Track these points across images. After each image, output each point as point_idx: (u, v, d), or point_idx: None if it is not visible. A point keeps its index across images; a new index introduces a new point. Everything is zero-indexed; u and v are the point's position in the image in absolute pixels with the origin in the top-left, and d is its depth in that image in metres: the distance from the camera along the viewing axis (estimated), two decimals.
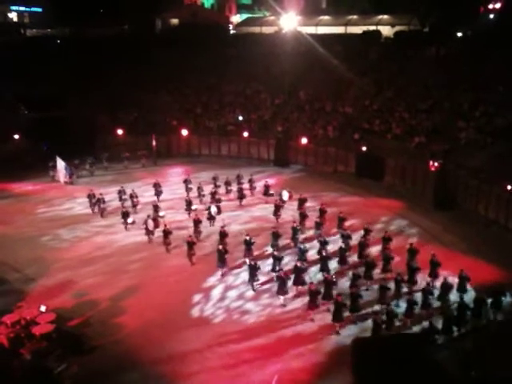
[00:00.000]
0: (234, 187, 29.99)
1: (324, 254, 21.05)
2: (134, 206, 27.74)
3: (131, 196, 28.09)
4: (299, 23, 54.43)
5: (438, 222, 26.40)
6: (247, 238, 22.00)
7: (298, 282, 19.77)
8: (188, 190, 29.68)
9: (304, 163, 36.61)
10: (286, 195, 27.47)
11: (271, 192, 28.98)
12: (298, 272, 19.74)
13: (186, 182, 29.98)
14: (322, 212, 25.07)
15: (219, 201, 27.73)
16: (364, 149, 33.12)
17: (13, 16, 66.55)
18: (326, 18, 55.96)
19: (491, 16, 47.95)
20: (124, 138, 37.74)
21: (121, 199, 28.46)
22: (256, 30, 57.12)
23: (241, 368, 16.12)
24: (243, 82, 43.16)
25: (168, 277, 21.51)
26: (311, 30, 51.77)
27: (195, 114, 41.03)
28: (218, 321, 18.69)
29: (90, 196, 28.22)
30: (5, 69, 38.54)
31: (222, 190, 29.91)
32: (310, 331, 17.90)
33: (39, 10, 67.47)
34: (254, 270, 20.07)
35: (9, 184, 32.67)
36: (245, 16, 69.80)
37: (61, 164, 33.01)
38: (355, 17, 53.81)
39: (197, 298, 20.01)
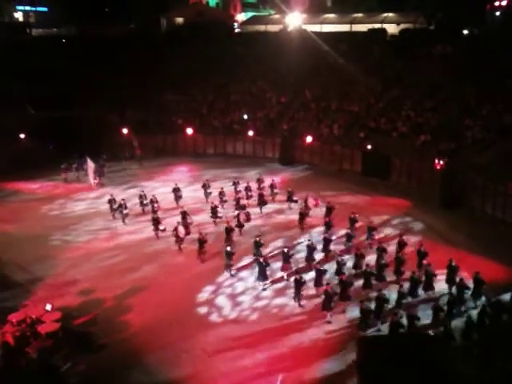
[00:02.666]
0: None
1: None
2: (155, 211, 26.22)
3: (152, 201, 26.97)
4: (304, 21, 54.38)
5: (445, 220, 26.27)
6: (285, 250, 21.13)
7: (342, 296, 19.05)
8: (207, 194, 28.91)
9: (310, 162, 36.54)
10: (311, 202, 26.16)
11: (295, 198, 27.50)
12: (344, 286, 18.97)
13: (205, 186, 29.03)
14: (353, 221, 23.85)
15: (244, 207, 26.19)
16: (370, 147, 33.02)
17: (18, 16, 66.85)
18: (332, 16, 55.89)
19: (497, 13, 47.64)
20: (131, 137, 37.71)
21: (142, 204, 27.64)
22: (261, 28, 57.12)
23: (246, 369, 16.06)
24: (249, 80, 43.16)
25: (175, 275, 21.52)
26: (316, 28, 51.68)
27: (201, 113, 41.06)
28: (225, 320, 18.67)
29: (111, 201, 27.12)
30: (11, 68, 38.72)
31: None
32: (316, 333, 17.88)
33: (45, 9, 67.76)
34: (299, 285, 19.04)
35: (16, 183, 32.80)
36: (250, 14, 69.81)
37: (91, 166, 32.60)
38: (360, 15, 53.70)
39: (204, 297, 20.00)
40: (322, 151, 36.03)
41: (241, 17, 71.14)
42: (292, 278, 19.87)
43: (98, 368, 15.99)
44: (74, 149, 33.77)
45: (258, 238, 21.93)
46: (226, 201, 27.52)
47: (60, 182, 33.37)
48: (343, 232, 23.92)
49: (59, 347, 16.24)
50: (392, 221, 26.66)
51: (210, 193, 28.97)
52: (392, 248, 21.85)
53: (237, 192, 28.36)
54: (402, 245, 21.61)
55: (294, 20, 54.78)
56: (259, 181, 29.43)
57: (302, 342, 17.31)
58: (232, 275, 21.30)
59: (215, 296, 20.10)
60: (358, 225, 24.26)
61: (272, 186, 29.11)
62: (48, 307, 17.52)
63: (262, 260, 20.23)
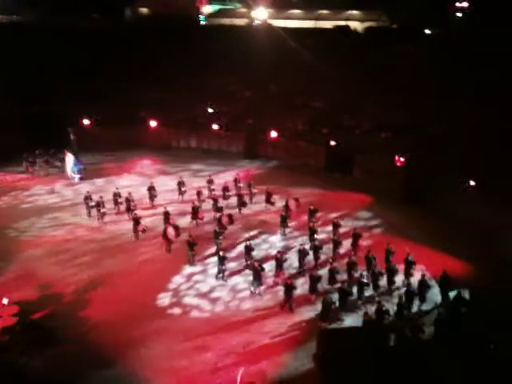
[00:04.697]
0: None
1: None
2: (131, 210, 25.44)
3: (127, 200, 26.02)
4: (270, 16, 54.46)
5: (405, 216, 26.82)
6: (278, 255, 20.73)
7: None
8: (182, 193, 28.38)
9: (274, 157, 36.68)
10: (292, 205, 25.63)
11: (273, 201, 27.05)
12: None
13: (180, 184, 28.55)
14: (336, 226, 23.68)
15: (221, 209, 25.70)
16: (333, 143, 33.41)
17: None
18: (297, 11, 56.16)
19: (458, 14, 48.78)
20: (94, 130, 36.94)
21: (116, 203, 26.57)
22: (227, 21, 56.93)
23: (208, 362, 16.08)
24: (214, 74, 42.90)
25: (137, 270, 21.33)
26: (282, 23, 51.86)
27: (165, 106, 40.61)
28: (186, 313, 18.65)
29: (88, 198, 26.04)
30: None
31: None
32: (279, 326, 18.02)
33: None
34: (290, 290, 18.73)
35: None
36: (216, 7, 69.33)
37: (70, 159, 31.83)
38: (325, 11, 54.13)
39: (167, 292, 19.88)
40: (287, 146, 36.24)
41: (207, 9, 70.56)
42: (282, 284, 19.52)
43: (56, 363, 15.73)
44: (36, 143, 32.88)
45: (248, 243, 21.62)
46: (203, 201, 27.12)
47: (21, 174, 32.48)
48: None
49: (16, 342, 15.91)
50: (353, 215, 27.09)
51: (185, 191, 28.50)
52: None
53: (210, 191, 28.11)
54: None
55: (260, 14, 54.78)
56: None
57: (265, 336, 17.42)
58: (225, 281, 20.61)
59: (178, 291, 20.00)
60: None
61: (236, 181, 29.06)
62: (5, 301, 17.12)
63: (256, 265, 19.77)
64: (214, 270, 21.11)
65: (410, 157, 29.00)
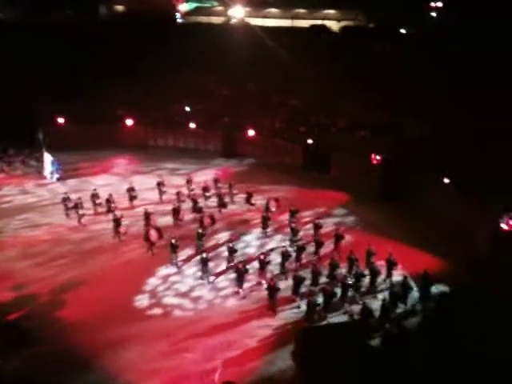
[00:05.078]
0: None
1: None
2: (112, 211, 25.03)
3: (108, 201, 25.68)
4: (247, 14, 54.44)
5: (382, 214, 27.08)
6: (261, 256, 20.80)
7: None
8: (162, 193, 27.98)
9: (251, 155, 36.65)
10: (272, 205, 25.46)
11: (253, 202, 26.89)
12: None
13: (160, 185, 28.15)
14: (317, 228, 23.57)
15: (201, 210, 25.43)
16: (310, 142, 33.55)
17: None
18: (274, 10, 56.22)
19: (433, 14, 49.46)
20: (69, 128, 36.28)
21: (95, 204, 26.22)
22: (204, 19, 56.72)
23: (184, 361, 16.08)
24: (191, 72, 42.68)
25: (115, 271, 21.15)
26: (259, 21, 51.88)
27: (142, 104, 40.26)
28: (164, 314, 18.59)
29: (66, 200, 25.65)
30: None
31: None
32: (262, 326, 18.08)
33: None
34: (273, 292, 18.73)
35: None
36: (193, 5, 68.95)
37: (48, 159, 31.21)
38: (302, 11, 54.31)
39: (144, 292, 19.77)
40: (264, 144, 36.26)
41: (183, 7, 70.12)
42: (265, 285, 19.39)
43: (33, 364, 15.51)
44: (9, 142, 32.26)
45: (231, 244, 21.57)
46: (183, 201, 26.80)
47: None
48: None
49: None
50: (330, 213, 27.31)
51: (165, 191, 28.12)
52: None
53: (190, 191, 27.90)
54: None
55: (237, 13, 54.71)
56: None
57: (247, 336, 17.46)
58: (210, 282, 20.48)
59: (156, 292, 19.89)
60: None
61: (216, 180, 28.85)
62: None
63: (241, 266, 19.66)
64: (192, 271, 21.05)
65: (386, 155, 29.29)
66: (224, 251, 22.14)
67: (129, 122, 37.23)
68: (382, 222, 26.10)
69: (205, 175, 31.40)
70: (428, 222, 25.16)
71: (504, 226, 21.94)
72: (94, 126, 35.84)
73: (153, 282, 20.51)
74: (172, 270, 21.32)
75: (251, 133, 35.54)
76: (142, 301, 19.25)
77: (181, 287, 20.23)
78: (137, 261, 22.04)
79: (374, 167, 29.69)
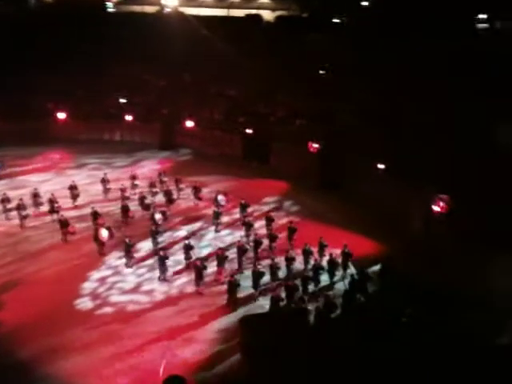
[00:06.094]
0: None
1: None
2: (55, 211, 24.06)
3: (51, 201, 24.44)
4: (181, 4, 53.61)
5: (321, 201, 27.58)
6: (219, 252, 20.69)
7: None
8: (106, 190, 27.10)
9: (190, 147, 36.29)
10: (222, 200, 25.24)
11: (201, 196, 26.64)
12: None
13: (104, 181, 27.24)
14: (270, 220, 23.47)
15: (149, 207, 24.89)
16: (249, 132, 33.59)
17: None
18: None
19: (365, 3, 50.32)
20: None
21: (36, 204, 25.04)
22: (137, 9, 55.37)
23: (128, 359, 15.89)
24: (125, 63, 41.62)
25: (50, 270, 20.53)
26: (194, 11, 51.19)
27: (74, 97, 38.93)
28: (104, 313, 18.29)
29: (4, 200, 24.48)
30: None
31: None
32: (198, 317, 18.12)
33: None
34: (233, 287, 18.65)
35: None
36: None
37: None
38: (237, 0, 54.06)
39: (83, 292, 19.42)
40: (203, 136, 35.98)
41: None
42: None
43: None
44: None
45: (187, 241, 21.14)
46: (128, 198, 25.99)
47: None
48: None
49: None
50: (270, 202, 27.57)
51: (109, 189, 27.17)
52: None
53: (134, 187, 27.18)
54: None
55: (171, 1, 53.77)
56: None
57: (186, 327, 17.44)
58: (168, 281, 20.13)
59: (95, 290, 19.55)
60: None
61: (160, 175, 28.19)
62: None
63: (198, 263, 19.40)
64: (128, 270, 20.76)
65: (322, 143, 29.78)
66: (179, 249, 21.70)
67: (61, 115, 35.89)
68: (321, 210, 26.60)
69: (143, 168, 30.86)
70: (365, 208, 25.78)
71: (436, 209, 22.87)
72: (23, 121, 34.30)
73: (88, 285, 19.95)
74: (103, 273, 20.69)
75: (189, 124, 35.16)
76: (80, 300, 18.84)
77: (125, 285, 19.91)
78: (74, 258, 21.50)
79: (312, 155, 30.14)
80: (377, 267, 20.61)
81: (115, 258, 21.61)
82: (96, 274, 20.59)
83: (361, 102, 31.25)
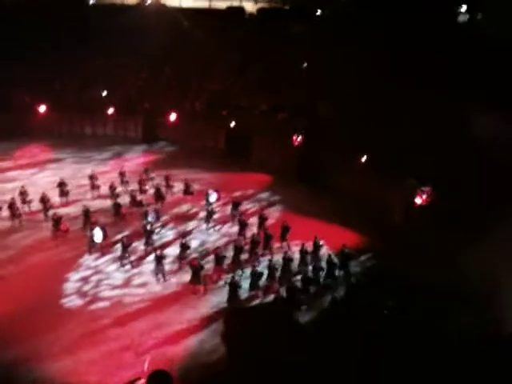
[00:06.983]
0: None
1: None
2: (47, 210, 23.69)
3: (43, 200, 23.93)
4: None
5: (302, 194, 27.72)
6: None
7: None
8: (96, 187, 26.50)
9: (173, 140, 36.05)
10: (213, 197, 24.75)
11: (191, 190, 26.08)
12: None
13: (92, 178, 26.65)
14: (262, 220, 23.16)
15: (141, 204, 24.44)
16: (232, 125, 33.54)
17: None
18: None
19: None
20: None
21: (24, 202, 24.39)
22: (118, 0, 54.68)
23: (113, 354, 15.94)
24: (106, 56, 41.20)
25: (30, 269, 20.31)
26: (175, 2, 50.75)
27: (54, 89, 38.45)
28: (85, 308, 18.32)
29: None
30: None
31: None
32: (181, 311, 18.18)
33: None
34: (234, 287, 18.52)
35: None
36: None
37: None
38: None
39: (67, 288, 19.33)
40: (186, 129, 35.80)
41: None
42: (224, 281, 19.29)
43: None
44: None
45: (183, 240, 20.99)
46: (118, 195, 25.49)
47: None
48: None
49: None
50: (253, 195, 27.65)
51: (98, 186, 26.68)
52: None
53: (123, 182, 26.81)
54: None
55: None
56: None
57: (170, 321, 17.52)
58: (166, 280, 19.94)
59: (80, 286, 19.51)
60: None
61: (147, 171, 27.85)
62: None
63: (195, 263, 19.20)
64: (111, 268, 20.63)
65: (305, 137, 29.89)
66: (176, 248, 21.55)
67: (41, 108, 35.43)
68: (302, 203, 26.69)
69: (127, 162, 30.69)
70: (348, 200, 26.04)
71: (417, 201, 23.14)
72: (1, 115, 33.75)
73: (75, 277, 19.94)
74: (83, 273, 20.45)
75: (173, 117, 34.96)
76: (64, 297, 18.79)
77: (114, 281, 19.90)
78: (57, 253, 21.40)
79: (295, 148, 30.22)
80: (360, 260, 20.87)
81: (92, 259, 21.22)
82: (75, 276, 20.19)
83: (342, 94, 31.40)
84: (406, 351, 14.76)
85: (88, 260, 21.14)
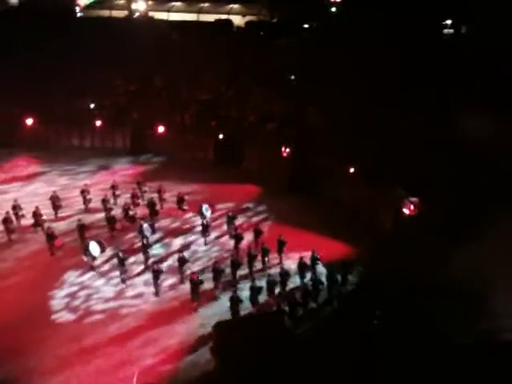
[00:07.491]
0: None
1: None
2: (39, 225, 23.61)
3: (35, 214, 23.63)
4: (151, 8, 53.40)
5: (292, 205, 27.64)
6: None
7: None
8: (87, 201, 26.27)
9: (162, 151, 35.89)
10: (207, 210, 24.41)
11: (185, 207, 26.04)
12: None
13: (84, 192, 26.39)
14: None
15: (134, 219, 24.20)
16: (221, 136, 33.54)
17: None
18: (178, 4, 55.46)
19: (333, 9, 50.98)
20: None
21: (18, 216, 24.15)
22: (106, 13, 54.85)
23: (101, 367, 15.79)
24: (94, 67, 41.13)
25: (18, 277, 20.30)
26: (163, 15, 51.07)
27: (42, 102, 38.23)
28: (76, 319, 18.24)
29: None
30: None
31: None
32: (174, 326, 18.08)
33: None
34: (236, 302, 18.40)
35: None
36: None
37: None
38: (207, 5, 54.07)
39: (56, 299, 19.34)
40: (175, 140, 35.70)
41: (83, 0, 67.41)
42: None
43: None
44: None
45: (181, 254, 20.79)
46: (110, 209, 25.14)
47: None
48: None
49: None
50: (243, 207, 27.54)
51: (90, 199, 26.44)
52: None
53: (115, 196, 26.61)
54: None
55: (140, 6, 53.50)
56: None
57: (163, 336, 17.43)
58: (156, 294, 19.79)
59: (69, 298, 19.47)
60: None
61: (140, 184, 27.61)
62: None
63: (195, 277, 19.01)
64: (99, 282, 20.45)
65: (294, 147, 29.96)
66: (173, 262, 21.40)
67: (29, 121, 35.22)
68: (293, 213, 26.64)
69: (115, 174, 30.54)
70: (337, 211, 26.05)
71: (405, 211, 23.21)
72: None
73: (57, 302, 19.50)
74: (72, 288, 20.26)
75: (161, 129, 34.88)
76: (53, 308, 18.74)
77: (105, 294, 19.74)
78: (45, 265, 21.37)
79: (284, 159, 30.27)
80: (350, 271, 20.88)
81: (75, 276, 20.95)
82: (60, 293, 19.93)
83: (330, 105, 31.60)
84: (397, 359, 14.70)
85: (71, 277, 20.85)
